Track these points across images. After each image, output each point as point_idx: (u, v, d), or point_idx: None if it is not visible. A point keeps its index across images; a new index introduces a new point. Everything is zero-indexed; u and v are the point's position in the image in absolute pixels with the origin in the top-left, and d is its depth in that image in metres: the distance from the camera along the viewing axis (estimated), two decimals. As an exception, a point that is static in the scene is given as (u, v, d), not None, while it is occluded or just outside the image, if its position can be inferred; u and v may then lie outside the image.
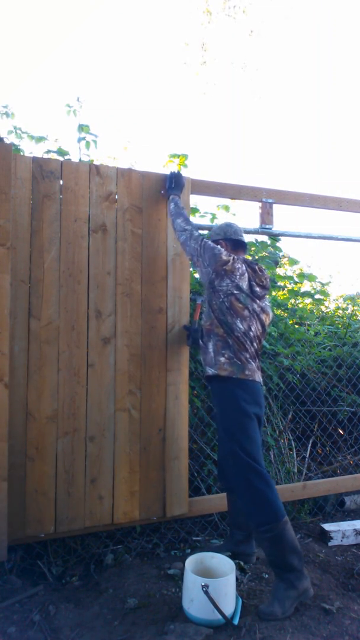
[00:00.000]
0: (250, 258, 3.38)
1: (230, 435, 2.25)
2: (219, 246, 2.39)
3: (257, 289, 2.41)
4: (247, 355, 2.31)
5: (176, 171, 2.70)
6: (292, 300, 3.92)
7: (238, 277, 2.33)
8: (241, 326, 2.31)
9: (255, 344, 2.37)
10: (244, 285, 2.36)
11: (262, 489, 2.15)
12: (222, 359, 2.29)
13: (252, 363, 2.33)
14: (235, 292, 2.32)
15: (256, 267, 2.45)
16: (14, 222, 2.30)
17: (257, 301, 2.41)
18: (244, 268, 2.39)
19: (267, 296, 2.55)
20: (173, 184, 2.62)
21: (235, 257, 2.38)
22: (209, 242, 2.40)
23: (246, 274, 2.39)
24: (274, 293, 3.79)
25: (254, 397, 2.31)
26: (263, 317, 2.43)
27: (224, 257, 2.33)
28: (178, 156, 3.38)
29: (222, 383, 2.31)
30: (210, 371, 2.33)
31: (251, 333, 2.34)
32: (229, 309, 2.30)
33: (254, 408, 2.29)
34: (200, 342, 2.45)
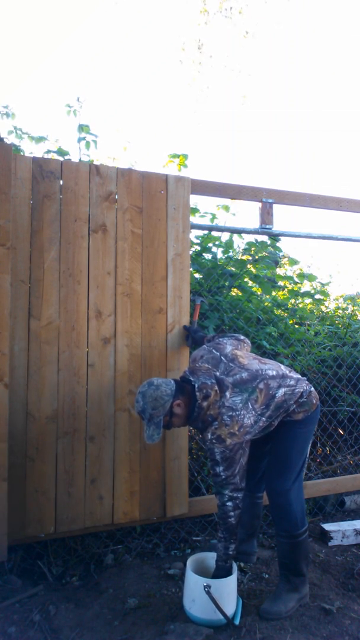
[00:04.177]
0: (250, 258, 3.38)
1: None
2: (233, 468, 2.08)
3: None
4: None
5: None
6: (292, 300, 3.92)
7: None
8: None
9: None
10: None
11: (301, 498, 2.23)
12: None
13: None
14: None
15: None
16: (14, 222, 2.30)
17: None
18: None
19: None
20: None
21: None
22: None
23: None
24: (274, 293, 3.79)
25: None
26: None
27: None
28: (178, 156, 3.38)
29: None
30: None
31: None
32: None
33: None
34: None
